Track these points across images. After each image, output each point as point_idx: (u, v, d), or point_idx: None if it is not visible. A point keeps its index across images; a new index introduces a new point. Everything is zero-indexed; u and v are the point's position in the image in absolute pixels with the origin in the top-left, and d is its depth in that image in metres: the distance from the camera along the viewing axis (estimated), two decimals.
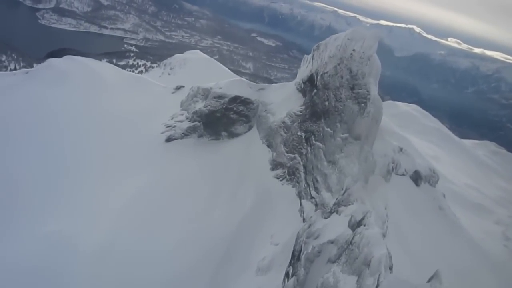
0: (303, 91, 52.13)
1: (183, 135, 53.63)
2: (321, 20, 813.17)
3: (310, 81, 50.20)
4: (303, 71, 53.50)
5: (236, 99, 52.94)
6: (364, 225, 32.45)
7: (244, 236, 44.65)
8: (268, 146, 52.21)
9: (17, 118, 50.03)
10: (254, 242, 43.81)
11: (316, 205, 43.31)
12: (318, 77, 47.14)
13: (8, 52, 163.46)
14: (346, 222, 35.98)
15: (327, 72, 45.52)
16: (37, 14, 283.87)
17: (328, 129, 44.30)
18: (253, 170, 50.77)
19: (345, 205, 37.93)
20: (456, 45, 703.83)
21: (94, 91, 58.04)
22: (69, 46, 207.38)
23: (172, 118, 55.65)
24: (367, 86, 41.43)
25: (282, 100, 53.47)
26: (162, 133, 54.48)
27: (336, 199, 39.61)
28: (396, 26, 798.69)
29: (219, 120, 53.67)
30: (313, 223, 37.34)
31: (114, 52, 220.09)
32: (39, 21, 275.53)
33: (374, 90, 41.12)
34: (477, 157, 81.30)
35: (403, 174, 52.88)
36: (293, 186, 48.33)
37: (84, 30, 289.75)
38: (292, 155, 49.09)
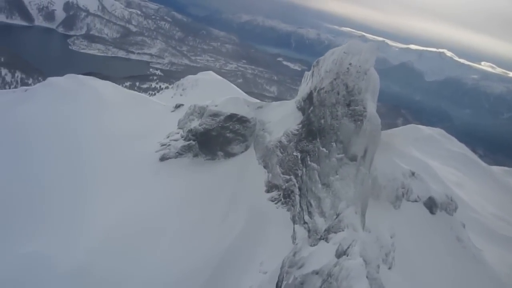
0: (302, 110, 49.37)
1: (177, 154, 51.49)
2: None
3: (309, 98, 47.50)
4: (303, 89, 50.88)
5: (232, 117, 50.60)
6: (347, 255, 28.89)
7: (232, 262, 41.49)
8: (264, 166, 49.33)
9: (8, 136, 49.19)
10: (242, 269, 40.63)
11: (309, 231, 39.80)
12: (315, 94, 44.39)
13: (35, 75, 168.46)
14: (334, 251, 32.55)
15: (323, 88, 42.73)
16: (68, 40, 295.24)
17: (324, 149, 41.14)
18: (247, 192, 47.86)
19: (335, 232, 34.49)
20: (490, 69, 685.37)
21: (92, 109, 57.15)
22: (96, 70, 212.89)
23: (168, 137, 53.80)
24: (363, 102, 38.34)
25: (280, 119, 50.82)
26: (156, 152, 52.60)
27: (328, 225, 36.14)
28: (426, 50, 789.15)
29: (215, 139, 51.34)
30: (298, 251, 34.04)
31: (138, 75, 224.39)
32: (70, 47, 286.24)
33: (371, 107, 37.95)
34: (506, 184, 75.45)
35: (416, 201, 49.29)
36: (288, 210, 45.07)
37: (112, 55, 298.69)
38: (288, 177, 45.99)
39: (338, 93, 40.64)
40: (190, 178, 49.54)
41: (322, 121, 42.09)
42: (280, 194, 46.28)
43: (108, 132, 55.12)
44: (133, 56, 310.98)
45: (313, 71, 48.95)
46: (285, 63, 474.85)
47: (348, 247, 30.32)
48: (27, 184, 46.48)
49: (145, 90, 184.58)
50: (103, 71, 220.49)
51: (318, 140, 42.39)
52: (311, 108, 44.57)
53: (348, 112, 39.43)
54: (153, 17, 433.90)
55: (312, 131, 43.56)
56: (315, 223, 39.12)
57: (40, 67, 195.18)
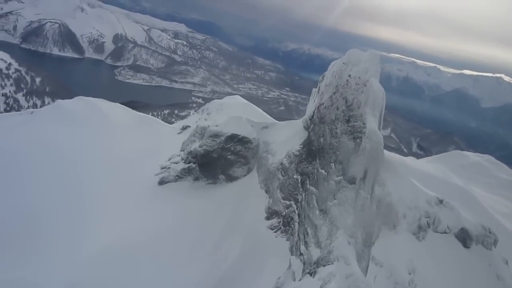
0: (308, 129, 45.29)
1: (177, 177, 48.60)
2: (398, 71, 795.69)
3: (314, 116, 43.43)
4: (310, 107, 46.86)
5: (233, 138, 47.23)
6: None
7: None
8: (266, 191, 45.29)
9: (6, 158, 48.50)
10: None
11: (304, 263, 35.08)
12: (315, 110, 40.34)
13: None
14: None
15: (323, 104, 38.68)
16: (115, 71, 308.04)
17: (322, 171, 36.74)
18: (246, 219, 43.82)
19: (323, 265, 29.71)
20: None
21: (97, 131, 55.93)
22: (138, 99, 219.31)
23: (169, 159, 51.13)
24: (362, 117, 33.87)
25: (285, 139, 46.89)
26: (156, 175, 49.96)
27: (317, 256, 31.41)
28: (481, 75, 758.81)
29: (216, 161, 48.05)
30: (280, 287, 29.42)
31: (178, 103, 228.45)
32: (116, 77, 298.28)
33: (371, 122, 33.39)
34: None
35: (445, 232, 43.42)
36: (287, 239, 40.52)
37: (156, 84, 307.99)
38: (288, 202, 41.64)
39: (338, 108, 36.45)
40: (187, 204, 46.26)
41: (322, 139, 37.86)
42: (280, 222, 41.90)
43: (111, 154, 53.35)
44: (176, 85, 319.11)
45: (319, 87, 45.02)
46: None
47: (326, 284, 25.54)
48: (21, 207, 45.02)
49: (182, 118, 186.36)
50: (145, 100, 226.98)
51: (317, 161, 38.08)
52: (312, 126, 40.49)
53: (348, 129, 35.06)
54: (198, 47, 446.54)
55: (312, 151, 39.34)
56: (310, 255, 34.47)
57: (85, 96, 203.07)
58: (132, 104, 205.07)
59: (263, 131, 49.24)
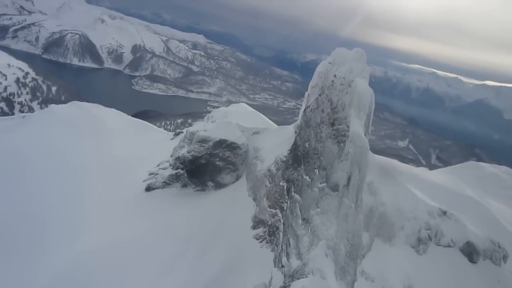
0: (296, 133, 43.19)
1: (164, 184, 46.98)
2: (418, 82, 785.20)
3: None
4: (301, 111, 44.75)
5: (221, 143, 45.44)
6: None
7: None
8: (253, 199, 43.21)
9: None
10: None
11: (285, 275, 32.71)
12: (302, 114, 38.26)
13: None
14: None
15: (309, 107, 36.56)
16: (132, 80, 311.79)
17: (307, 177, 34.49)
18: (232, 228, 41.78)
19: (298, 278, 27.40)
20: None
21: (90, 136, 55.08)
22: (153, 108, 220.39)
23: (158, 165, 49.60)
24: (347, 120, 31.55)
25: (276, 145, 44.78)
26: (144, 181, 48.44)
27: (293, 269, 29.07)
28: (504, 86, 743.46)
29: (204, 167, 46.25)
30: None
31: (192, 113, 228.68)
32: (133, 87, 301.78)
33: (355, 125, 31.04)
34: None
35: (449, 246, 40.81)
36: (272, 250, 38.29)
37: (172, 94, 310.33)
38: (274, 211, 39.45)
39: (323, 111, 34.29)
40: (172, 211, 44.57)
41: (307, 144, 35.70)
42: (266, 231, 39.72)
43: (101, 159, 52.31)
44: (192, 95, 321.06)
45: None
46: None
47: None
48: (12, 209, 44.27)
49: None
50: (160, 109, 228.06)
51: (302, 167, 35.87)
52: (298, 130, 38.38)
53: (332, 132, 32.82)
54: (216, 57, 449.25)
55: (298, 157, 37.19)
56: (291, 266, 32.07)
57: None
58: (146, 113, 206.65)
59: (253, 136, 47.33)
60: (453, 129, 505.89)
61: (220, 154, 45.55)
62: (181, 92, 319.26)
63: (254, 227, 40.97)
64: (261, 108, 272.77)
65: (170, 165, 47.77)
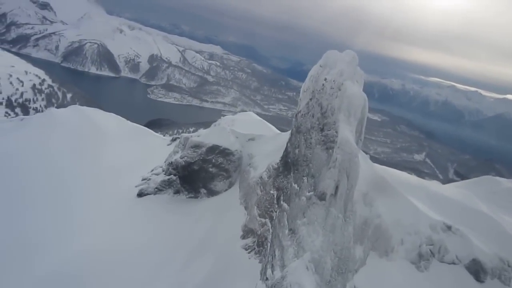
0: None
1: (156, 190, 45.81)
2: (436, 95, 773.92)
3: None
4: (294, 117, 43.17)
5: (214, 149, 44.12)
6: None
7: None
8: (245, 207, 41.58)
9: None
10: None
11: None
12: (294, 120, 36.68)
13: None
14: None
15: (300, 112, 34.94)
16: (148, 89, 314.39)
17: (295, 185, 32.83)
18: (221, 237, 40.20)
19: None
20: None
21: (86, 140, 54.52)
22: (167, 117, 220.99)
23: (152, 171, 48.47)
24: (335, 125, 29.85)
25: (270, 152, 43.18)
26: (136, 186, 47.34)
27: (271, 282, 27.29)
28: None
29: (197, 174, 44.95)
30: None
31: (205, 122, 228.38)
32: (148, 96, 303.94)
33: (344, 130, 29.31)
34: None
35: (453, 263, 38.37)
36: (260, 262, 36.47)
37: (187, 104, 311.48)
38: (264, 220, 37.75)
39: (313, 116, 32.68)
40: (162, 218, 43.29)
41: (297, 151, 34.09)
42: (255, 242, 37.98)
43: (97, 163, 51.59)
44: (206, 105, 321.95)
45: None
46: None
47: None
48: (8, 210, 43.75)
49: None
50: (173, 118, 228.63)
51: (291, 174, 34.19)
52: (290, 136, 36.78)
53: (321, 138, 31.12)
54: (231, 68, 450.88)
55: (288, 164, 35.55)
56: (274, 279, 30.31)
57: (116, 112, 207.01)
58: (159, 122, 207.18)
59: (249, 143, 45.89)
60: (473, 143, 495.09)
61: (213, 160, 44.21)
62: (195, 102, 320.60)
63: (243, 237, 39.29)
64: (275, 119, 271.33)
65: (163, 171, 46.61)
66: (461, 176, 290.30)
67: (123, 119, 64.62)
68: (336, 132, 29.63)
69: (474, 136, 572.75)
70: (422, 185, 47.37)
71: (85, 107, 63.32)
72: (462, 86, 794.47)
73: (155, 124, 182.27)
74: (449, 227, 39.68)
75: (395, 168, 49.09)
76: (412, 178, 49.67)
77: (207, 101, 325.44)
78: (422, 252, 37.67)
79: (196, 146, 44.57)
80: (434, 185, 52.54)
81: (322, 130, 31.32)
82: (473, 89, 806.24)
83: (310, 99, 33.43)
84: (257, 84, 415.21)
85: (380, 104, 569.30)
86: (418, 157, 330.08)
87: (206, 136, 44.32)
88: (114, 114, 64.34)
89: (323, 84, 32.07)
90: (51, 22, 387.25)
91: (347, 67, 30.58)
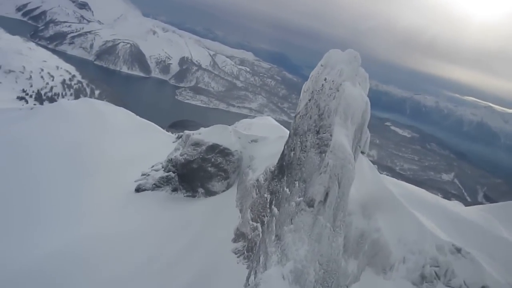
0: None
1: (154, 186, 44.83)
2: (471, 116, 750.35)
3: None
4: (293, 118, 41.45)
5: (214, 148, 42.82)
6: None
7: None
8: (240, 210, 40.02)
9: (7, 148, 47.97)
10: None
11: None
12: (292, 121, 34.99)
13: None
14: None
15: (299, 113, 33.22)
16: (176, 91, 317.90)
17: (287, 190, 31.07)
18: (212, 239, 38.73)
19: None
20: None
21: (92, 132, 54.34)
22: (192, 119, 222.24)
23: (152, 166, 47.63)
24: (331, 127, 27.98)
25: (270, 155, 41.53)
26: (135, 181, 46.55)
27: None
28: None
29: (196, 172, 43.75)
30: None
31: (227, 125, 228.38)
32: (176, 97, 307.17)
33: (338, 134, 27.42)
34: None
35: None
36: (247, 267, 34.76)
37: (213, 107, 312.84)
38: (255, 224, 36.09)
39: (311, 118, 30.91)
40: (157, 215, 42.25)
41: (292, 153, 32.33)
42: (245, 246, 36.32)
43: (101, 155, 51.24)
44: (233, 109, 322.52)
45: None
46: (393, 128, 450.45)
47: None
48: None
49: None
50: (198, 120, 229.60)
51: (285, 178, 32.45)
52: (287, 139, 35.03)
53: (316, 141, 29.28)
54: (261, 74, 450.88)
55: (282, 167, 33.80)
56: (249, 287, 28.59)
57: (143, 112, 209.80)
58: (183, 123, 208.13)
59: (251, 144, 44.36)
60: (507, 167, 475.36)
61: (212, 160, 42.90)
62: (222, 106, 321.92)
63: (234, 240, 37.73)
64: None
65: (163, 167, 45.59)
66: (491, 200, 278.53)
67: (132, 113, 64.34)
68: (331, 135, 27.76)
69: (509, 160, 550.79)
70: (439, 204, 44.36)
71: (95, 100, 63.59)
72: (499, 108, 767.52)
73: (179, 125, 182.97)
74: (458, 250, 36.76)
75: (420, 186, 46.42)
76: (429, 196, 46.76)
77: (233, 106, 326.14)
78: (426, 273, 35.00)
79: (196, 144, 43.39)
80: (453, 205, 49.35)
81: (318, 132, 29.49)
82: (510, 111, 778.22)
83: (309, 100, 31.71)
84: (285, 92, 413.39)
85: (410, 120, 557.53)
86: (446, 177, 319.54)
87: (207, 135, 43.08)
88: (123, 109, 64.18)
89: (322, 85, 30.31)
90: (88, 22, 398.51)
91: (346, 66, 28.73)
